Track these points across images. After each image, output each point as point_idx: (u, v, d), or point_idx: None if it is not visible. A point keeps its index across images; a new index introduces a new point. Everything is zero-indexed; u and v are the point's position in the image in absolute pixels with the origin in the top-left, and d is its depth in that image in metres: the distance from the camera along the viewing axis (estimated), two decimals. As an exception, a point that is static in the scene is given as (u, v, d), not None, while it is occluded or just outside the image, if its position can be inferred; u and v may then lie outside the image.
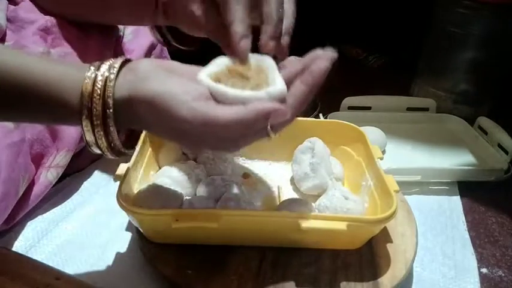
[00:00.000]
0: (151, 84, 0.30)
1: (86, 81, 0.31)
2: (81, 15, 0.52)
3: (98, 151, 0.33)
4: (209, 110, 0.30)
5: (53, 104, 0.31)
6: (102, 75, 0.31)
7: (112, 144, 0.33)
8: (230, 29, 0.34)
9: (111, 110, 0.30)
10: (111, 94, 0.30)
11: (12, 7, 0.50)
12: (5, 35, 0.49)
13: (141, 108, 0.30)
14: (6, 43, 0.48)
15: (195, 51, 0.44)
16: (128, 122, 0.32)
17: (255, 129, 0.31)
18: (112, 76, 0.31)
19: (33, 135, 0.47)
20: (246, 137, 0.32)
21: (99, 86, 0.30)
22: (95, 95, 0.30)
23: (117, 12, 0.50)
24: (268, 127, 0.32)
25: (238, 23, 0.34)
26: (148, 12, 0.46)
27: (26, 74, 0.30)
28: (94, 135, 0.32)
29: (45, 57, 0.34)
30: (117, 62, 0.32)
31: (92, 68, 0.31)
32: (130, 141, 0.35)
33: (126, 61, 0.33)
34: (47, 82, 0.30)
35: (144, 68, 0.31)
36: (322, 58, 0.32)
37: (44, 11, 0.51)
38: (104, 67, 0.31)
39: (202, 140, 0.32)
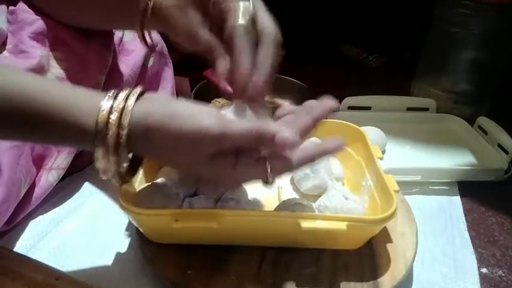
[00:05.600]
0: (167, 109, 0.32)
1: (102, 109, 0.31)
2: (73, 18, 0.51)
3: (106, 177, 0.34)
4: (225, 122, 0.32)
5: (69, 129, 0.32)
6: (118, 105, 0.32)
7: (120, 172, 0.34)
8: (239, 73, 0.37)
9: (124, 140, 0.31)
10: (126, 124, 0.31)
11: (11, 8, 0.50)
12: (6, 38, 0.49)
13: (156, 132, 0.32)
14: (7, 46, 0.48)
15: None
16: (141, 149, 0.34)
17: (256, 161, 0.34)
18: (130, 104, 0.32)
19: None
20: (247, 166, 0.34)
21: (115, 117, 0.31)
22: (110, 125, 0.31)
23: (107, 16, 0.49)
24: (268, 169, 0.34)
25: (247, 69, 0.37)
26: (137, 18, 0.44)
27: (45, 98, 0.31)
28: (107, 162, 0.32)
29: (61, 82, 0.35)
30: (135, 92, 0.33)
31: (108, 96, 0.32)
32: (133, 170, 0.36)
33: (143, 92, 0.34)
34: (64, 107, 0.31)
35: (162, 96, 0.34)
36: (327, 101, 0.37)
37: (39, 12, 0.50)
38: (121, 96, 0.32)
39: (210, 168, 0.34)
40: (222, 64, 0.39)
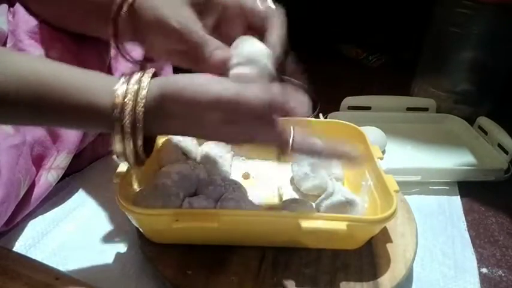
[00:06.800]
0: (180, 79, 0.32)
1: (117, 93, 0.32)
2: (58, 20, 0.49)
3: (123, 160, 0.34)
4: (240, 85, 0.33)
5: (83, 112, 0.32)
6: (133, 86, 0.32)
7: (137, 154, 0.34)
8: None
9: (141, 118, 0.32)
10: (142, 101, 0.32)
11: (12, 8, 0.50)
12: (6, 38, 0.48)
13: (170, 101, 0.32)
14: (7, 45, 0.48)
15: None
16: (156, 125, 0.34)
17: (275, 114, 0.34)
18: (144, 83, 0.32)
19: (33, 137, 0.47)
20: (269, 123, 0.34)
21: (131, 99, 0.32)
22: (126, 107, 0.32)
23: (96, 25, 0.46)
24: (291, 139, 0.35)
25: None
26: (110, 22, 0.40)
27: (57, 80, 0.31)
28: (123, 144, 0.33)
29: (74, 67, 0.34)
30: (148, 73, 0.33)
31: (122, 79, 0.33)
32: (147, 151, 0.36)
33: (155, 74, 0.34)
34: (77, 89, 0.32)
35: (175, 75, 0.34)
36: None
37: (32, 13, 0.49)
38: (135, 78, 0.33)
39: (229, 123, 0.33)
40: (219, 54, 0.37)
